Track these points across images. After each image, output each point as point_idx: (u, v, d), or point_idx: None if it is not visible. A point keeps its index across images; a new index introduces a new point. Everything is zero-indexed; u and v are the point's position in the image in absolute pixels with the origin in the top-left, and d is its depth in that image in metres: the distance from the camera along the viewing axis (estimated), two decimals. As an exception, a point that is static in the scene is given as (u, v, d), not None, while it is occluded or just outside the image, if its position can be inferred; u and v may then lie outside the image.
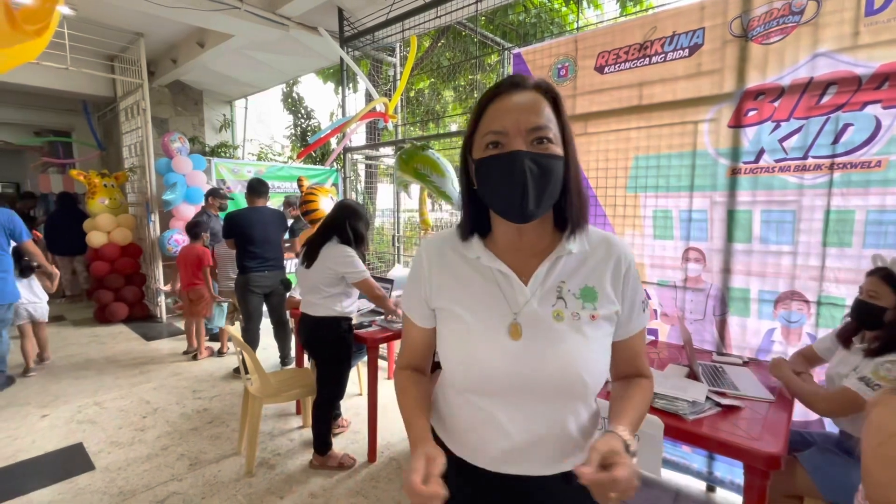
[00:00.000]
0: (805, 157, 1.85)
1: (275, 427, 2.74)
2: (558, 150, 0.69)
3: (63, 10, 3.44)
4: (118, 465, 2.31)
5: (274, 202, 5.96)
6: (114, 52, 5.22)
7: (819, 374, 1.75)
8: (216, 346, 4.17)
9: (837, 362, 1.59)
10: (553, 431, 0.72)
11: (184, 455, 2.41)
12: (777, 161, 1.92)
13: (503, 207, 0.70)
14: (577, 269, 0.75)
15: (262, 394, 2.26)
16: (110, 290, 5.13)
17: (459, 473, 0.76)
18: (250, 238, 3.36)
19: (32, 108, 6.56)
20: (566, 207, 0.73)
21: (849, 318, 1.60)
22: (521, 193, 0.66)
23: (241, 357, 2.35)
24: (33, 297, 3.55)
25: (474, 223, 0.78)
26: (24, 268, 3.43)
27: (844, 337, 1.59)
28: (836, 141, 1.78)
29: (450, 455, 0.75)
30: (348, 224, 2.22)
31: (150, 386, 3.35)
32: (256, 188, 3.55)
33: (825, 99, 1.79)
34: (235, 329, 2.36)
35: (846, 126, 1.75)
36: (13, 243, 3.28)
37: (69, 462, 2.35)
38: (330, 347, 2.23)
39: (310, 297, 2.23)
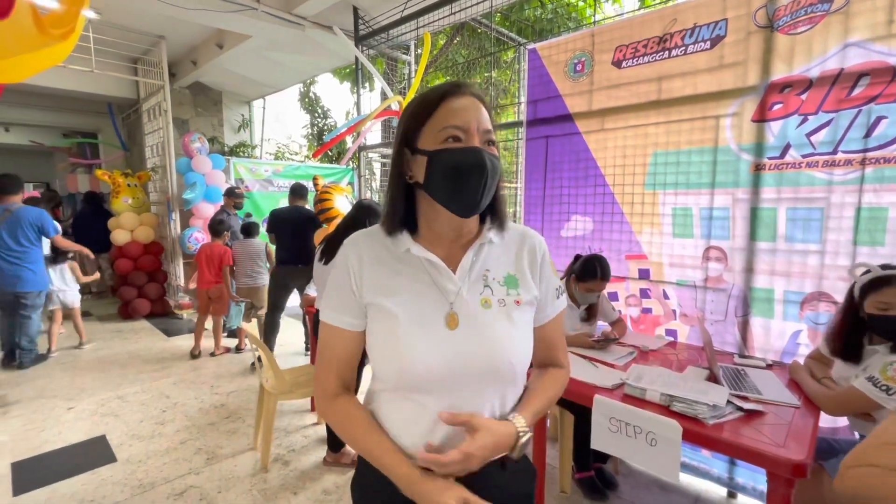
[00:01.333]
0: (834, 152, 1.77)
1: (290, 423, 2.77)
2: (497, 152, 0.75)
3: (88, 14, 3.55)
4: (139, 458, 2.37)
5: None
6: (136, 54, 5.36)
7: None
8: (234, 342, 4.25)
9: (841, 366, 1.53)
10: (484, 415, 0.74)
11: (201, 449, 2.46)
12: (804, 156, 1.84)
13: (456, 200, 0.72)
14: (499, 257, 0.79)
15: (277, 390, 2.28)
16: (134, 286, 5.27)
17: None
18: (284, 233, 3.67)
19: (61, 110, 6.79)
20: (494, 204, 0.78)
21: (833, 334, 1.53)
22: (482, 187, 0.71)
23: (256, 353, 2.38)
24: (63, 285, 3.97)
25: (403, 218, 0.77)
26: (59, 254, 3.91)
27: (841, 351, 1.51)
28: (868, 134, 1.70)
29: None
30: (368, 223, 2.24)
31: (170, 381, 3.43)
32: (297, 190, 3.88)
33: (857, 91, 1.71)
34: (252, 326, 2.39)
35: (879, 119, 1.67)
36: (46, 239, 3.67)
37: (93, 454, 2.42)
38: None
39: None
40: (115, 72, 5.04)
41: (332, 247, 2.25)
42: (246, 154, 6.91)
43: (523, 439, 0.72)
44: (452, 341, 0.72)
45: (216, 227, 3.95)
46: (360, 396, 0.83)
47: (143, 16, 4.38)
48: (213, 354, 4.00)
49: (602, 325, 2.28)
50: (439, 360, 0.71)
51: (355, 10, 4.20)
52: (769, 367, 1.81)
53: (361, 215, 2.27)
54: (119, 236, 5.20)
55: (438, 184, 0.71)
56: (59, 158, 8.03)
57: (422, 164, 0.72)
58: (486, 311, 0.74)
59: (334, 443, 2.30)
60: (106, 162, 6.97)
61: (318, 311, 2.48)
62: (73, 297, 4.04)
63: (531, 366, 0.84)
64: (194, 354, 4.00)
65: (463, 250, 0.77)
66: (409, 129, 0.75)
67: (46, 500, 2.04)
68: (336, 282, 0.79)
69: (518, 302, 0.76)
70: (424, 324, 0.72)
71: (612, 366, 1.78)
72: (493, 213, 0.79)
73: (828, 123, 1.78)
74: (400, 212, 0.77)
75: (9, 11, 2.41)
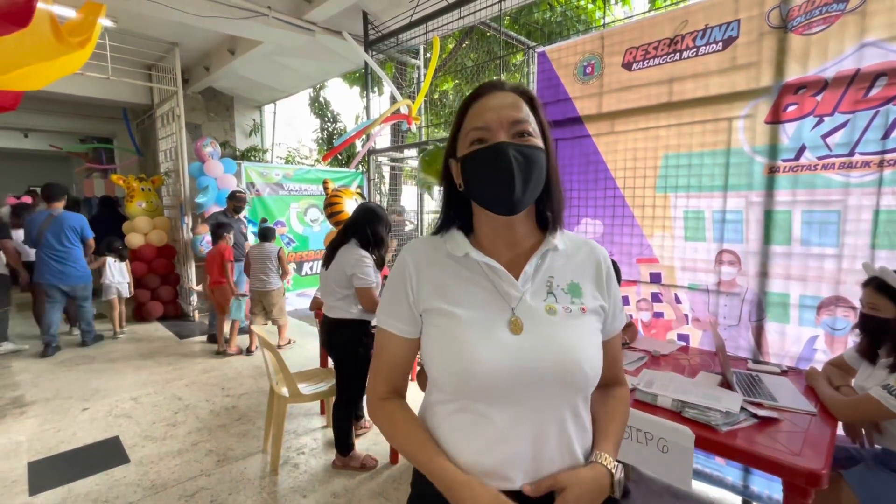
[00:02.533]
0: (851, 154, 1.74)
1: (300, 426, 2.78)
2: (539, 143, 0.72)
3: (104, 22, 3.62)
4: (151, 459, 2.40)
5: (301, 204, 6.10)
6: (151, 61, 5.46)
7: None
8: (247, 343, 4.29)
9: (865, 377, 1.51)
10: (552, 429, 0.70)
11: (212, 451, 2.48)
12: (820, 158, 1.81)
13: (491, 199, 0.71)
14: (563, 265, 0.77)
15: (287, 394, 2.29)
16: (147, 289, 5.35)
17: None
18: None
19: (78, 116, 6.93)
20: (548, 203, 0.76)
21: (858, 332, 1.56)
22: (509, 182, 0.68)
23: (265, 357, 2.40)
24: (122, 278, 4.73)
25: (456, 220, 0.79)
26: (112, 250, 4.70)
27: (865, 352, 1.52)
28: (886, 136, 1.66)
29: None
30: (368, 228, 2.22)
31: (182, 383, 3.47)
32: None
33: (874, 91, 1.67)
34: (261, 329, 2.41)
35: (898, 120, 1.63)
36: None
37: (106, 454, 2.45)
38: (346, 349, 2.23)
39: (327, 298, 2.25)
40: (130, 78, 5.13)
41: (331, 251, 2.25)
42: (257, 158, 6.98)
43: (618, 476, 0.70)
44: (518, 346, 0.69)
45: (216, 230, 4.12)
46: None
47: (157, 23, 4.46)
48: (224, 354, 4.05)
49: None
50: (504, 366, 0.67)
51: (365, 15, 4.23)
52: (784, 373, 1.77)
53: (362, 219, 2.24)
54: (133, 239, 5.29)
55: (473, 187, 0.72)
56: (77, 163, 8.21)
57: (459, 171, 0.74)
58: (552, 317, 0.72)
59: (343, 446, 2.30)
60: (121, 166, 7.10)
61: (324, 315, 2.45)
62: (126, 288, 4.79)
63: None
64: (249, 350, 4.18)
65: (525, 257, 0.76)
66: (451, 138, 0.76)
67: (62, 499, 2.07)
68: (392, 287, 0.78)
69: (584, 309, 0.74)
70: (488, 328, 0.70)
71: (622, 371, 1.76)
72: (553, 216, 0.77)
73: (844, 125, 1.74)
74: (454, 219, 0.79)
75: (29, 21, 2.47)
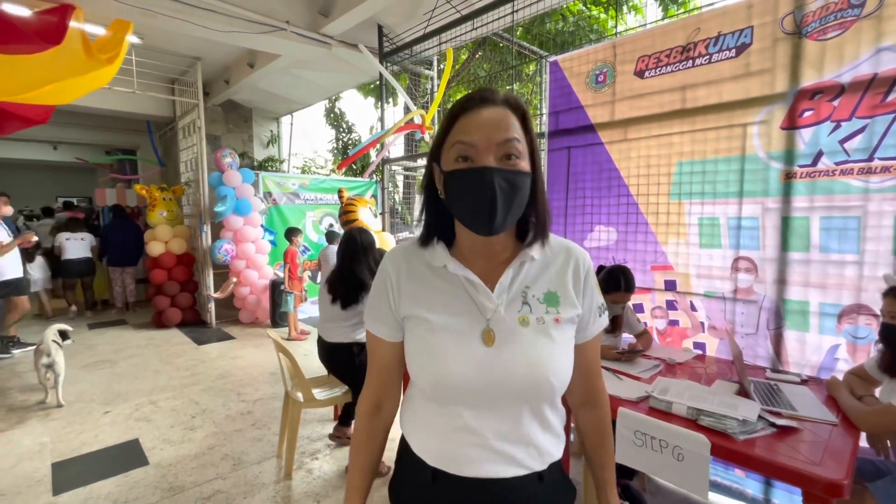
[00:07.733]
0: (870, 159, 1.71)
1: (313, 431, 2.80)
2: (525, 165, 0.71)
3: (131, 39, 3.78)
4: (169, 462, 2.44)
5: (317, 213, 6.20)
6: (174, 75, 5.65)
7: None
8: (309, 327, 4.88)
9: (890, 390, 1.47)
10: (521, 432, 0.73)
11: (228, 455, 2.51)
12: (838, 164, 1.78)
13: (471, 221, 0.72)
14: (539, 274, 0.77)
15: (302, 399, 2.32)
16: (167, 296, 5.47)
17: (436, 481, 0.75)
18: None
19: (104, 129, 7.19)
20: (533, 217, 0.76)
21: (880, 343, 1.51)
22: (490, 209, 0.68)
23: (281, 363, 2.43)
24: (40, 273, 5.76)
25: (437, 230, 0.79)
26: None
27: (887, 366, 1.48)
28: (905, 141, 1.64)
29: (425, 464, 0.77)
30: (372, 262, 2.33)
31: (200, 388, 3.53)
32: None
33: (892, 96, 1.65)
34: (276, 334, 2.44)
35: (918, 124, 1.61)
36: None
37: (126, 456, 2.51)
38: (348, 369, 2.37)
39: (327, 323, 2.36)
40: (155, 92, 5.31)
41: (352, 293, 2.31)
42: (274, 168, 7.13)
43: None
44: (489, 358, 0.71)
45: (287, 234, 4.95)
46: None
47: (181, 39, 4.63)
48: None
49: (627, 338, 2.24)
50: (475, 376, 0.71)
51: (380, 28, 4.33)
52: (804, 382, 1.73)
53: (363, 256, 2.33)
54: (154, 248, 5.44)
55: (455, 205, 0.72)
56: (101, 174, 8.49)
57: (443, 183, 0.74)
58: (524, 328, 0.73)
59: (347, 419, 2.49)
60: (143, 177, 7.31)
61: (319, 336, 2.58)
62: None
63: (571, 396, 0.84)
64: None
65: (502, 267, 0.76)
66: (435, 144, 0.76)
67: (83, 500, 2.12)
68: (375, 293, 0.82)
69: (557, 320, 0.74)
70: (461, 339, 0.72)
71: (637, 378, 1.74)
72: (536, 228, 0.76)
73: (862, 130, 1.72)
74: (434, 225, 0.79)
75: (62, 38, 2.60)
